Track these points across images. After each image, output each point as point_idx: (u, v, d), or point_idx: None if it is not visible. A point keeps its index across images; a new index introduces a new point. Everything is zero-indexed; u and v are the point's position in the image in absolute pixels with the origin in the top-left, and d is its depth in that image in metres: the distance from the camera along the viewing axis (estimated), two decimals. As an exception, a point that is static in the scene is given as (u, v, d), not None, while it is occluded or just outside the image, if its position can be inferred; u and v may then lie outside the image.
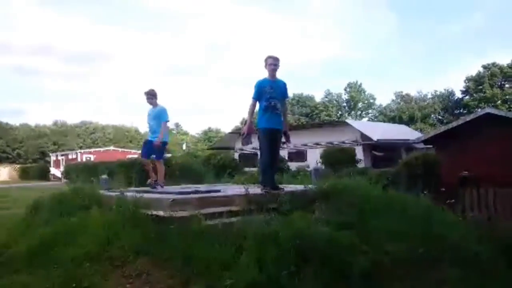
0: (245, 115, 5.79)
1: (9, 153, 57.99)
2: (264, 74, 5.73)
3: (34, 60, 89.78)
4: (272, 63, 5.64)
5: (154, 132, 6.92)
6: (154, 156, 6.96)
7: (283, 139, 5.92)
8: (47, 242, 4.60)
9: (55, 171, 41.52)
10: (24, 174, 42.45)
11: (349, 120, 30.74)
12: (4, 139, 58.77)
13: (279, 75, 5.77)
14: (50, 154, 49.57)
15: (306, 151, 23.16)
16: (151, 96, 6.99)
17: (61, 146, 57.87)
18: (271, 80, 5.65)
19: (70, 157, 41.62)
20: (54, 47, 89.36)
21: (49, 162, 45.87)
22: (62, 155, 44.57)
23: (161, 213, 4.48)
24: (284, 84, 5.80)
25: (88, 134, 65.92)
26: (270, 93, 5.57)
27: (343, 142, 21.22)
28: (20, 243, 4.87)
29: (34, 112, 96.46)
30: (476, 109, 40.46)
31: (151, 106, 7.05)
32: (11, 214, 8.51)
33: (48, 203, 6.22)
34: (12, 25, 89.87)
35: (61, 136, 62.63)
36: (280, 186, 5.81)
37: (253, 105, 5.66)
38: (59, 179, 34.66)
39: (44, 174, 39.88)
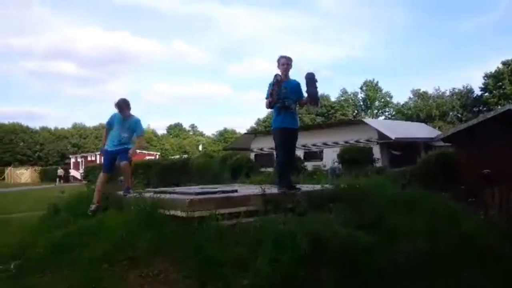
0: (260, 116, 5.79)
1: (30, 155, 59.29)
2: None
3: (51, 64, 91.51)
4: (285, 63, 5.63)
5: (124, 144, 6.19)
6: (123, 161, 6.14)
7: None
8: (66, 243, 4.66)
9: (75, 173, 42.30)
10: (45, 176, 43.35)
11: (366, 119, 30.45)
12: (25, 142, 60.13)
13: (293, 75, 5.75)
14: (70, 156, 50.51)
15: (322, 150, 23.01)
16: (122, 107, 6.16)
17: (80, 148, 58.90)
18: (285, 80, 5.63)
19: (89, 159, 42.35)
20: (69, 52, 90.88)
21: (69, 164, 46.74)
22: (81, 157, 45.39)
23: (178, 213, 4.50)
24: (298, 84, 5.77)
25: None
26: (283, 93, 5.54)
27: (360, 141, 21.01)
28: (40, 244, 4.95)
29: (53, 115, 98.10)
30: (496, 106, 39.53)
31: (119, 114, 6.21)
32: (31, 215, 8.68)
33: (67, 204, 6.33)
34: (29, 29, 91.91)
35: (80, 138, 63.74)
36: (297, 186, 5.78)
37: (269, 103, 5.62)
38: (79, 180, 35.32)
39: (66, 176, 40.65)
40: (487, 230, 5.33)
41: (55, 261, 4.37)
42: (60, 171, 38.57)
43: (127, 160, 6.15)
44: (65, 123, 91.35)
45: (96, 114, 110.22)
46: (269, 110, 5.85)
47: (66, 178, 40.31)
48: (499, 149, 10.90)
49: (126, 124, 6.19)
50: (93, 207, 5.79)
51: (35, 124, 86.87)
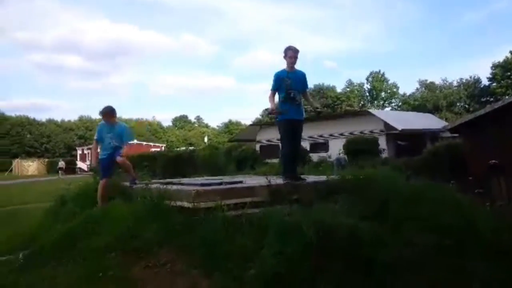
0: (266, 106, 5.79)
1: (37, 147, 59.77)
2: (284, 65, 5.67)
3: (58, 57, 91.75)
4: (292, 56, 5.57)
5: (114, 149, 6.11)
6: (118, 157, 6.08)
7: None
8: (73, 234, 4.70)
9: (82, 165, 42.55)
10: (52, 168, 43.68)
11: (372, 110, 30.27)
12: (32, 134, 60.56)
13: (297, 65, 5.70)
14: (77, 148, 50.79)
15: (328, 141, 22.97)
16: (108, 116, 6.18)
17: (87, 140, 59.25)
18: (290, 71, 5.59)
19: (95, 150, 42.47)
20: (76, 44, 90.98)
21: (76, 156, 47.00)
22: (88, 149, 45.64)
23: (185, 204, 4.52)
24: (304, 75, 5.73)
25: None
26: (289, 84, 5.52)
27: (366, 132, 20.93)
28: (47, 235, 5.00)
29: (60, 108, 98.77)
30: (504, 96, 39.11)
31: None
32: (38, 207, 8.77)
33: (74, 196, 6.37)
34: (36, 22, 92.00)
35: (87, 130, 64.09)
36: (302, 176, 5.77)
37: (272, 95, 5.62)
38: (86, 172, 35.53)
39: (72, 168, 40.90)
40: (494, 221, 5.28)
41: (63, 251, 4.41)
42: (61, 163, 38.57)
43: (121, 156, 6.11)
44: (72, 116, 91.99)
45: (102, 106, 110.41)
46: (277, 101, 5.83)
47: (73, 169, 40.52)
48: (506, 139, 10.80)
49: (114, 132, 6.14)
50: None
51: (42, 117, 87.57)
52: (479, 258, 4.30)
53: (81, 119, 68.76)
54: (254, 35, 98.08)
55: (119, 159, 6.05)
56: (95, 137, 6.38)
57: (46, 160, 49.29)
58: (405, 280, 3.79)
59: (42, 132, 61.32)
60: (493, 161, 10.69)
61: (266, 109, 6.95)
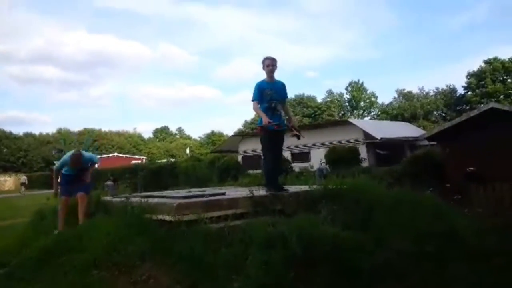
0: (247, 117, 5.78)
1: (14, 162, 58.21)
2: (263, 76, 5.71)
3: (35, 69, 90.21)
4: (270, 64, 5.62)
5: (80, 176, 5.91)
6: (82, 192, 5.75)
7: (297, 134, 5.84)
8: (53, 250, 4.59)
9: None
10: (30, 183, 42.58)
11: (352, 119, 30.69)
12: (9, 148, 59.04)
13: (278, 76, 5.76)
14: (55, 162, 49.72)
15: (309, 151, 23.13)
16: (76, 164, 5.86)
17: (65, 154, 58.01)
18: (270, 82, 5.64)
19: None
20: (53, 55, 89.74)
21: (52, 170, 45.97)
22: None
23: (167, 217, 4.47)
24: (283, 85, 5.79)
25: (92, 141, 66.14)
26: (270, 95, 5.55)
27: (347, 142, 21.19)
28: (27, 251, 4.87)
29: (37, 121, 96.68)
30: (479, 104, 40.25)
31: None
32: (17, 223, 8.54)
33: (53, 210, 6.23)
34: (11, 33, 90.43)
35: (65, 144, 62.84)
36: (285, 187, 5.79)
37: (256, 105, 5.58)
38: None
39: (49, 183, 39.86)
40: (473, 226, 5.41)
41: (43, 267, 4.30)
42: (24, 179, 37.12)
43: (86, 192, 5.80)
44: (50, 128, 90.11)
45: (81, 118, 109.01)
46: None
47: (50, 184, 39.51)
48: (483, 147, 11.10)
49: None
50: (55, 232, 5.41)
51: (19, 130, 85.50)
52: (461, 262, 4.39)
53: (59, 131, 67.49)
54: (235, 45, 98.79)
55: (80, 194, 5.67)
56: (56, 167, 6.04)
57: (23, 174, 48.03)
58: (389, 286, 3.83)
59: (19, 146, 59.83)
60: (470, 168, 10.96)
61: (256, 124, 6.85)
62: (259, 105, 5.59)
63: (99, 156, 43.99)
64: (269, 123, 5.40)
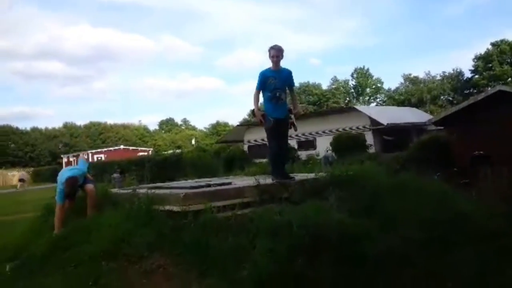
0: (252, 107, 5.76)
1: (22, 157, 58.78)
2: (268, 64, 5.67)
3: (40, 64, 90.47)
4: (275, 55, 5.55)
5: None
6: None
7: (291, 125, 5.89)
8: (62, 243, 4.64)
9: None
10: (37, 177, 43.00)
11: (358, 106, 30.51)
12: (16, 143, 59.59)
13: (285, 64, 5.70)
14: (62, 156, 50.11)
15: (315, 139, 23.08)
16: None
17: (72, 148, 58.46)
18: (275, 70, 5.58)
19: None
20: (57, 50, 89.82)
21: (61, 164, 46.37)
22: (73, 156, 45.06)
23: (174, 208, 4.49)
24: (290, 73, 5.73)
25: (98, 134, 66.52)
26: (274, 84, 5.51)
27: (353, 128, 21.08)
28: (36, 244, 4.92)
29: (43, 116, 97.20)
30: (486, 87, 39.78)
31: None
32: (26, 216, 8.63)
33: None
34: (14, 30, 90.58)
35: (72, 137, 63.32)
36: (291, 175, 5.79)
37: (257, 95, 5.59)
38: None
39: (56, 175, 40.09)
40: (480, 210, 5.38)
41: (53, 260, 4.35)
42: (22, 174, 36.11)
43: (93, 183, 5.80)
44: (56, 123, 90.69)
45: (87, 112, 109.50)
46: (262, 100, 5.80)
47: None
48: (490, 130, 11.00)
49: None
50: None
51: (26, 125, 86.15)
52: (467, 246, 4.37)
53: (65, 125, 67.90)
54: (238, 35, 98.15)
55: (89, 186, 5.67)
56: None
57: (31, 169, 48.48)
58: (395, 274, 3.84)
59: (26, 141, 60.35)
60: (478, 152, 10.88)
61: (252, 111, 6.92)
62: (260, 95, 5.58)
63: (105, 149, 44.39)
64: (260, 120, 5.43)
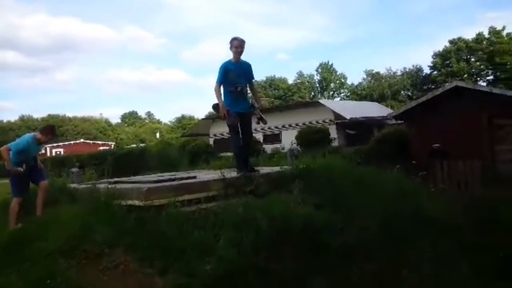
0: (215, 100, 5.64)
1: (-26, 151, 55.84)
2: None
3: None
4: (238, 46, 5.50)
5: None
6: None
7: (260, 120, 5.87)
8: (19, 240, 4.44)
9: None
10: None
11: (322, 100, 30.94)
12: (-32, 137, 56.53)
13: (251, 57, 5.67)
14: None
15: (281, 132, 23.23)
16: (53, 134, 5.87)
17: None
18: (236, 63, 5.54)
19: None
20: (13, 40, 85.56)
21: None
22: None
23: (136, 202, 4.38)
24: (249, 66, 5.71)
25: (56, 127, 64.04)
26: (235, 77, 5.47)
27: (317, 122, 21.36)
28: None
29: (2, 108, 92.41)
30: (444, 84, 41.27)
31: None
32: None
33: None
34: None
35: (29, 131, 60.67)
36: (256, 168, 5.79)
37: (219, 88, 5.51)
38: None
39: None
40: (437, 202, 5.59)
41: (7, 258, 4.15)
42: None
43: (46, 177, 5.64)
44: (13, 116, 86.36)
45: (46, 104, 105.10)
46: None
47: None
48: (447, 124, 11.44)
49: (39, 149, 5.80)
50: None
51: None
52: (425, 237, 4.53)
53: (22, 118, 64.96)
54: (205, 27, 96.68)
55: (43, 183, 5.48)
56: (20, 148, 5.43)
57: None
58: (358, 264, 3.93)
59: (-21, 135, 57.34)
60: (436, 145, 11.29)
61: (216, 105, 6.74)
62: (221, 88, 5.51)
63: (64, 144, 42.74)
64: (224, 115, 5.40)
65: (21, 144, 5.51)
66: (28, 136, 5.67)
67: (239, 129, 5.55)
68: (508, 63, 41.92)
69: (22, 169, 5.31)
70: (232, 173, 5.42)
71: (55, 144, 43.72)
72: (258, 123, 5.89)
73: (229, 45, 5.54)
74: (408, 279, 3.81)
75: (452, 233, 4.74)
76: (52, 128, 5.89)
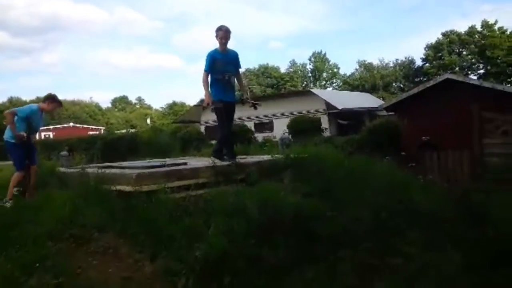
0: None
1: (-39, 133, 55.04)
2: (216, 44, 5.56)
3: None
4: (223, 37, 5.47)
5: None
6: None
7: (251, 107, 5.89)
8: (6, 223, 4.39)
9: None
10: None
11: (314, 90, 30.91)
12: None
13: (244, 45, 5.65)
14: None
15: (272, 121, 23.23)
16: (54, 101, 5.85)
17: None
18: (223, 52, 5.51)
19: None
20: (4, 19, 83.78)
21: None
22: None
23: (126, 188, 4.36)
24: (236, 55, 5.69)
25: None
26: (222, 66, 5.45)
27: (309, 112, 21.39)
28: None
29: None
30: (436, 76, 41.49)
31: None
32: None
33: (5, 183, 5.93)
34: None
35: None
36: (246, 156, 5.81)
37: (206, 77, 5.48)
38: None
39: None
40: (426, 193, 5.65)
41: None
42: None
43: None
44: (2, 98, 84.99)
45: (34, 86, 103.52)
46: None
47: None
48: (437, 116, 11.55)
49: (41, 121, 5.88)
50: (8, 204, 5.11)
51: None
52: (414, 228, 4.60)
53: (10, 100, 63.96)
54: (199, 12, 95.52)
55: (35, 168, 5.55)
56: (25, 115, 5.46)
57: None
58: (348, 252, 3.97)
59: (-34, 116, 56.44)
60: (426, 137, 11.40)
61: (201, 100, 6.81)
62: (209, 77, 5.48)
63: (53, 127, 42.31)
64: (208, 103, 5.40)
65: (26, 110, 5.56)
66: (32, 104, 5.83)
67: (225, 117, 5.54)
68: (499, 57, 42.18)
69: (25, 134, 5.35)
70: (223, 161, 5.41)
71: (44, 128, 43.27)
72: (256, 108, 5.90)
73: (215, 34, 5.49)
74: (399, 268, 3.88)
75: (443, 224, 4.80)
76: (54, 96, 5.83)
